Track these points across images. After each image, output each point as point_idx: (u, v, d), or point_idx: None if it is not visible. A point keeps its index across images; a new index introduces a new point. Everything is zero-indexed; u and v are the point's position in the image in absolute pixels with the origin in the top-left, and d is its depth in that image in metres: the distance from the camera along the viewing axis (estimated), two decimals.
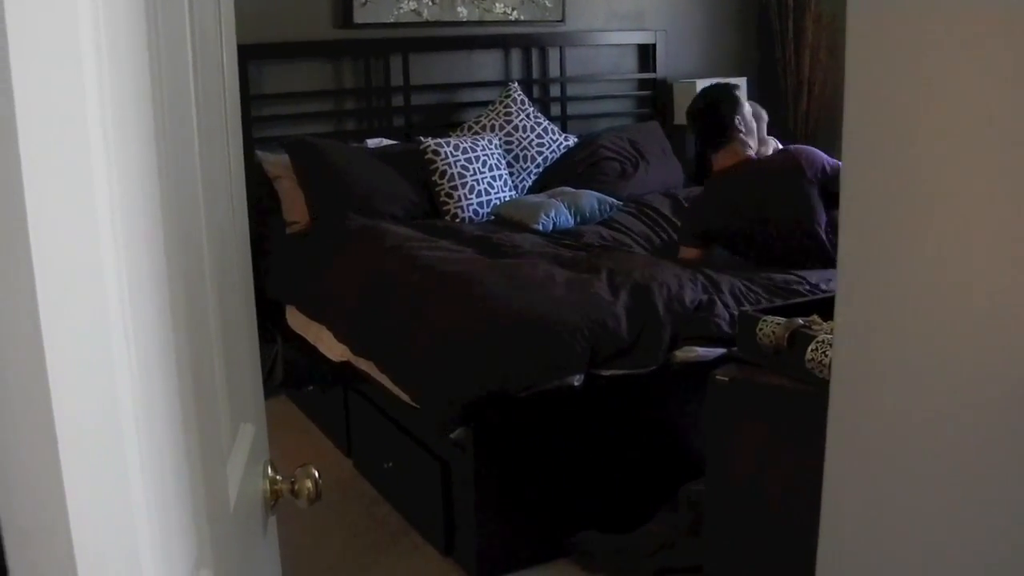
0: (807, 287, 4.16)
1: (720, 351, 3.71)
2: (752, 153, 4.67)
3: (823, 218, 4.50)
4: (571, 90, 6.75)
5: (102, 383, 0.84)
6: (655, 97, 6.96)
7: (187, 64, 1.26)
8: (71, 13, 0.79)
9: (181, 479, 1.02)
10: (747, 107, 4.73)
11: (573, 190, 5.65)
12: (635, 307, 3.83)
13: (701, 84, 6.56)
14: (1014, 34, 1.38)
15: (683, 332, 3.82)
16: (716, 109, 4.69)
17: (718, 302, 3.96)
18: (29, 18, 0.76)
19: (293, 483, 1.60)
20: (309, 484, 1.59)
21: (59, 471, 0.81)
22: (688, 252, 4.68)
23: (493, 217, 5.49)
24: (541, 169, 6.06)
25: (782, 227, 4.49)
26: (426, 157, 5.49)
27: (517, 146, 5.98)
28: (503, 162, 5.79)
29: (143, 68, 0.95)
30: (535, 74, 6.59)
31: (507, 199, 5.63)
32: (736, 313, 3.58)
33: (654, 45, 6.91)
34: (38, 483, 0.82)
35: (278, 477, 1.62)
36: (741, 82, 6.85)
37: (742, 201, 4.57)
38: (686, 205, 5.27)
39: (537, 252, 4.65)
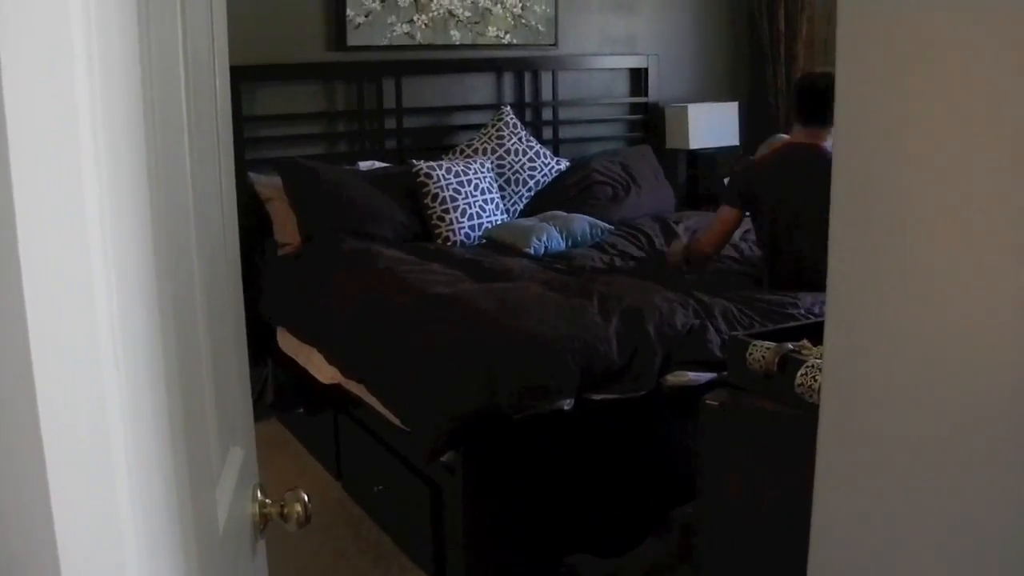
0: (801, 312, 4.16)
1: (711, 376, 3.71)
2: (828, 146, 4.68)
3: None
4: (563, 114, 6.77)
5: (91, 406, 0.84)
6: (647, 121, 6.98)
7: (179, 86, 1.26)
8: (65, 35, 0.79)
9: (170, 502, 1.02)
10: None
11: (565, 214, 5.66)
12: (626, 331, 3.83)
13: (693, 108, 6.60)
14: (1003, 61, 1.38)
15: (675, 356, 3.82)
16: (828, 94, 4.71)
17: (710, 326, 3.95)
18: (23, 41, 0.76)
19: (282, 506, 1.60)
20: (298, 508, 1.59)
21: (47, 495, 0.81)
22: (726, 212, 4.68)
23: (485, 240, 5.50)
24: (533, 193, 6.07)
25: (812, 217, 4.52)
26: (418, 180, 5.50)
27: (509, 169, 5.98)
28: (495, 185, 5.80)
29: (136, 91, 0.95)
30: (527, 98, 6.60)
31: (499, 222, 5.63)
32: (728, 337, 3.58)
33: (646, 69, 6.94)
34: (26, 506, 0.82)
35: (267, 500, 1.61)
36: (732, 107, 6.88)
37: (791, 176, 4.57)
38: (735, 169, 5.23)
39: (528, 276, 4.65)
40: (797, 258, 4.49)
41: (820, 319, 3.03)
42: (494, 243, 5.40)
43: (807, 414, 2.47)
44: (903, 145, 1.54)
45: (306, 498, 1.60)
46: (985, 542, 1.51)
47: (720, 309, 4.11)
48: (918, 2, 1.49)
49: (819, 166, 4.55)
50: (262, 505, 1.61)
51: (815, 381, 2.59)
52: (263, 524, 1.61)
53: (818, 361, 2.64)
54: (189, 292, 1.25)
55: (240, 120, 5.32)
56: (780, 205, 4.55)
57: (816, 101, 4.59)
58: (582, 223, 5.54)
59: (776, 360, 2.75)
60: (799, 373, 2.67)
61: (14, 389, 0.79)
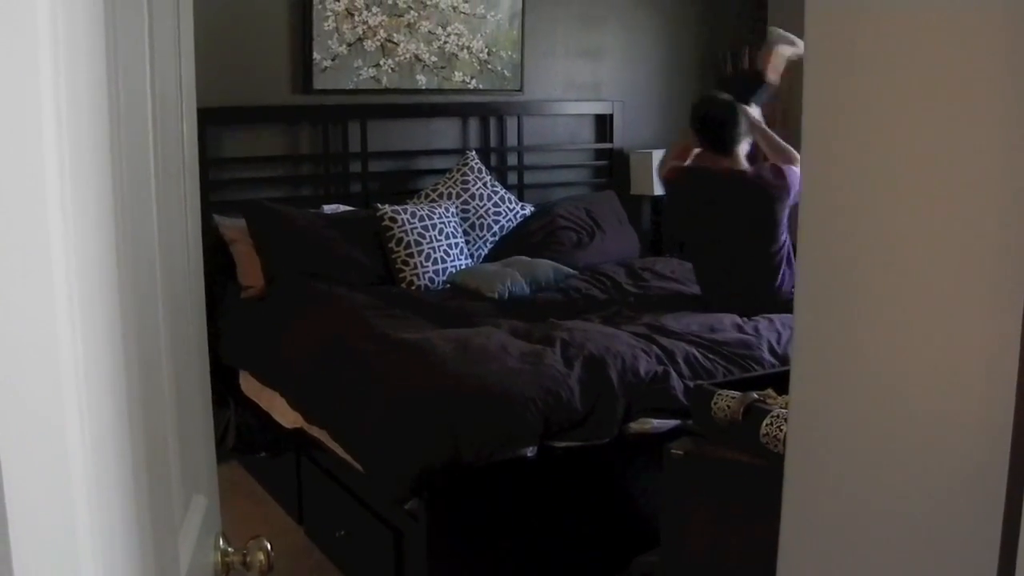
0: (765, 355, 4.18)
1: (675, 423, 3.71)
2: (744, 165, 4.85)
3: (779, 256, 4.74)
4: (528, 159, 6.78)
5: (54, 457, 0.83)
6: (612, 167, 7.00)
7: (147, 130, 1.25)
8: (32, 80, 0.79)
9: (132, 553, 1.00)
10: (750, 119, 4.94)
11: (529, 259, 5.66)
12: (589, 379, 3.83)
13: (657, 154, 6.62)
14: (975, 108, 1.39)
15: (638, 404, 3.82)
16: (729, 124, 4.88)
17: (673, 373, 3.95)
18: None
19: (245, 555, 1.58)
20: (261, 556, 1.57)
21: (8, 547, 0.79)
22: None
23: (449, 285, 5.48)
24: (497, 238, 6.07)
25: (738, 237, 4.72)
26: (383, 224, 5.49)
27: (474, 214, 5.98)
28: (459, 230, 5.80)
29: (103, 136, 0.95)
30: (493, 143, 6.62)
31: (463, 267, 5.63)
32: (691, 384, 3.58)
33: (611, 115, 6.96)
34: None
35: (230, 549, 1.60)
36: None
37: (720, 208, 4.86)
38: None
39: (492, 322, 4.64)
40: (726, 269, 4.85)
41: (785, 368, 3.04)
42: (458, 288, 5.39)
43: (772, 464, 2.47)
44: (869, 194, 1.54)
45: (269, 546, 1.58)
46: None
47: (683, 355, 4.11)
48: (884, 47, 1.50)
49: (742, 192, 4.76)
50: (224, 554, 1.59)
51: (780, 431, 2.60)
52: (225, 573, 1.59)
53: (783, 411, 2.64)
54: (154, 338, 1.23)
55: (205, 162, 5.30)
56: (710, 232, 4.87)
57: (719, 132, 4.81)
58: (546, 268, 5.55)
59: (741, 409, 2.76)
60: (764, 423, 2.67)
61: None
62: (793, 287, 4.80)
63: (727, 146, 4.84)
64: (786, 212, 4.83)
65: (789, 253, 4.87)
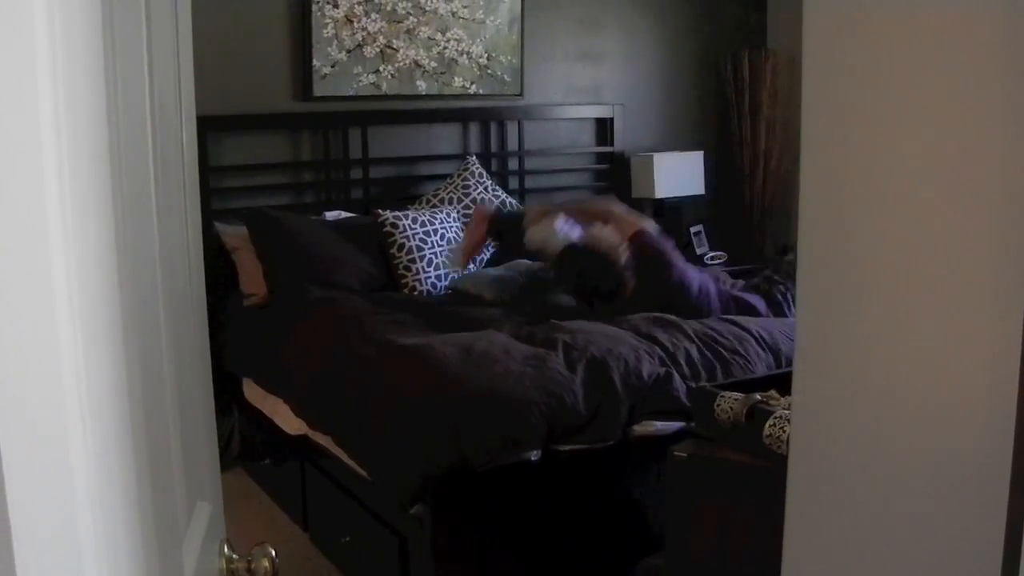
0: (761, 343, 4.21)
1: (678, 425, 3.71)
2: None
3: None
4: (529, 163, 6.78)
5: (56, 463, 0.83)
6: (612, 170, 6.99)
7: (146, 137, 1.25)
8: (30, 88, 0.79)
9: (136, 560, 1.00)
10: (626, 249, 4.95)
11: (530, 263, 5.65)
12: (592, 382, 3.82)
13: (658, 157, 6.62)
14: (975, 109, 1.39)
15: (641, 406, 3.81)
16: (607, 285, 4.92)
17: (675, 375, 3.95)
18: None
19: (249, 561, 1.58)
20: (266, 563, 1.57)
21: (11, 555, 0.79)
22: None
23: (451, 290, 5.48)
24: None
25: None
26: (384, 230, 5.49)
27: None
28: (461, 235, 5.79)
29: (103, 144, 0.95)
30: (493, 147, 6.61)
31: (465, 272, 5.62)
32: (694, 386, 3.57)
33: (612, 119, 6.96)
34: None
35: (234, 556, 1.59)
36: (698, 156, 6.91)
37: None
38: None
39: (494, 326, 4.63)
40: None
41: (787, 371, 3.03)
42: (460, 293, 5.38)
43: (775, 465, 2.47)
44: (869, 198, 1.54)
45: (273, 553, 1.58)
46: None
47: (684, 356, 4.11)
48: (882, 49, 1.50)
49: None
50: (229, 561, 1.59)
51: (783, 432, 2.59)
52: None
53: (786, 412, 2.64)
54: (156, 345, 1.23)
55: (206, 170, 5.31)
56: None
57: (602, 296, 4.88)
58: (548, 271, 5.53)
59: (744, 411, 2.75)
60: (767, 424, 2.67)
61: None
62: (708, 287, 4.85)
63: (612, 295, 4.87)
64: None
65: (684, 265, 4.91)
